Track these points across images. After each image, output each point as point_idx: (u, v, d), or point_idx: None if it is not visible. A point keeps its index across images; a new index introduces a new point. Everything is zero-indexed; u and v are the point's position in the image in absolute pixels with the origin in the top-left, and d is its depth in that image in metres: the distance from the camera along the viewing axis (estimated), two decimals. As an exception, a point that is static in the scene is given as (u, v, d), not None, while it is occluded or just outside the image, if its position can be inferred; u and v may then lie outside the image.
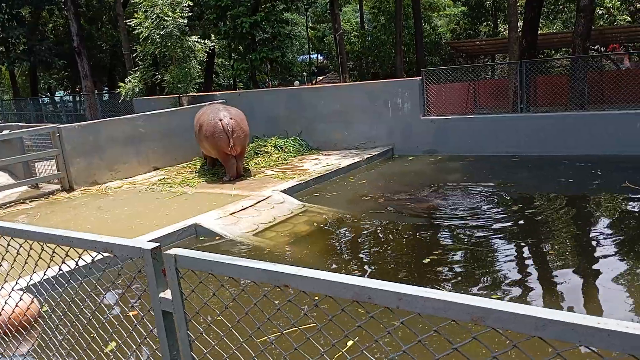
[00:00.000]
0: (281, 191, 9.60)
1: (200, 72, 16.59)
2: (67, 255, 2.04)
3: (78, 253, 2.04)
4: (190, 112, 12.85)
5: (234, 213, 8.38)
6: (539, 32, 16.63)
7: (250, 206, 8.78)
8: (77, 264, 2.05)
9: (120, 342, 2.04)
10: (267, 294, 1.52)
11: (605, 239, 6.63)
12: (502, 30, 29.27)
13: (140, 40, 15.55)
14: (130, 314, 2.20)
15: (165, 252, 1.71)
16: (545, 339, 1.12)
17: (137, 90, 16.85)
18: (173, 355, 1.78)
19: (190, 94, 15.57)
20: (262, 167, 12.28)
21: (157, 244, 1.75)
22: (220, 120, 10.26)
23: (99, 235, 1.94)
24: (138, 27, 15.11)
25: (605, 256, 6.02)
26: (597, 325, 1.06)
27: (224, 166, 11.01)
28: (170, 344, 1.78)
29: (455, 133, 12.81)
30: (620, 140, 10.99)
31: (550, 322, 1.10)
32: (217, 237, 7.54)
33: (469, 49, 24.92)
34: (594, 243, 6.54)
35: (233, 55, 24.96)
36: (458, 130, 12.79)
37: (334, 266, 6.23)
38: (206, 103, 13.48)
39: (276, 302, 1.55)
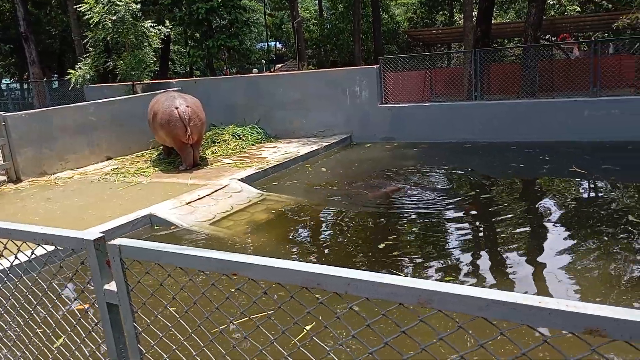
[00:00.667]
0: (239, 180, 9.51)
1: (155, 59, 16.18)
2: (5, 248, 1.94)
3: (17, 246, 1.94)
4: (144, 100, 12.51)
5: (190, 202, 8.25)
6: (492, 21, 16.95)
7: (207, 195, 8.66)
8: (16, 257, 1.95)
9: (64, 337, 1.96)
10: (215, 283, 1.48)
11: (554, 221, 6.86)
12: (458, 19, 29.70)
13: (91, 25, 15.01)
14: (75, 308, 2.12)
15: (109, 243, 1.65)
16: (490, 319, 1.13)
17: (88, 77, 16.29)
18: (119, 348, 1.73)
19: (145, 81, 15.17)
20: (219, 155, 12.12)
21: (101, 234, 1.68)
22: (177, 108, 10.04)
23: (40, 227, 1.85)
24: (88, 12, 14.56)
25: (554, 238, 6.23)
26: (539, 304, 1.08)
27: (180, 155, 10.80)
28: (116, 337, 1.72)
29: (411, 120, 12.97)
30: (568, 127, 11.38)
31: (493, 302, 1.12)
32: (172, 227, 7.41)
33: (426, 38, 25.19)
34: (544, 226, 6.75)
35: (189, 42, 24.51)
36: (414, 117, 12.95)
37: (292, 253, 6.22)
38: (161, 91, 13.17)
39: (232, 290, 1.52)
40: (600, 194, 8.23)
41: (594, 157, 10.13)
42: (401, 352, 1.26)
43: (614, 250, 5.64)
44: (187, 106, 10.14)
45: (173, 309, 1.71)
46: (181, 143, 10.24)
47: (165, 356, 1.69)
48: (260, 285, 1.44)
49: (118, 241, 1.64)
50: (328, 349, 1.34)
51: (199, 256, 1.45)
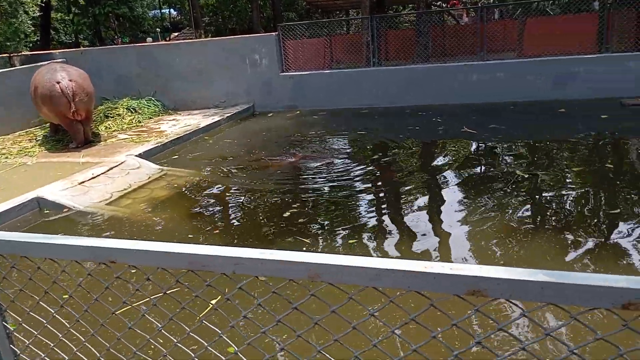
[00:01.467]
0: (136, 156, 9.06)
1: (34, 29, 14.80)
2: None
3: None
4: (25, 73, 11.45)
5: (83, 182, 7.74)
6: (387, -13, 17.19)
7: (102, 174, 8.18)
8: None
9: None
10: (91, 273, 1.36)
11: (452, 180, 7.19)
12: (355, -15, 29.85)
13: (-46, -9, 13.37)
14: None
15: (-34, 237, 1.45)
16: (380, 288, 1.12)
17: (-44, 49, 14.59)
18: (-10, 351, 1.55)
19: (23, 52, 13.86)
20: (114, 131, 11.45)
21: (-46, 228, 1.47)
22: (58, 82, 9.26)
23: None
24: (-52, -25, 12.94)
25: (453, 197, 6.54)
26: (425, 269, 1.08)
27: (68, 132, 10.05)
28: (-16, 340, 1.54)
29: (313, 88, 12.99)
30: (459, 90, 11.95)
31: (382, 271, 1.10)
32: (65, 210, 6.92)
33: (324, 4, 25.10)
34: (443, 185, 7.06)
35: (73, 9, 22.62)
36: (315, 85, 12.98)
37: (196, 230, 6.04)
38: (44, 63, 12.09)
39: (131, 279, 1.39)
40: (490, 152, 8.76)
41: (482, 118, 10.77)
42: (294, 328, 1.23)
43: (507, 206, 6.03)
44: (71, 80, 9.37)
45: (47, 303, 1.55)
46: (67, 120, 9.51)
47: (43, 355, 1.55)
48: (143, 272, 1.34)
49: (-25, 234, 1.45)
50: (220, 332, 1.28)
51: (71, 245, 1.31)
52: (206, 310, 2.51)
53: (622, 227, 5.24)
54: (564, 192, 6.34)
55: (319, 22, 15.51)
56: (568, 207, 5.89)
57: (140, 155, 9.14)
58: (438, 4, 22.77)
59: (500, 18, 17.71)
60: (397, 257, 5.01)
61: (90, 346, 1.46)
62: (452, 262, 4.73)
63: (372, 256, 5.04)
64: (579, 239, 5.01)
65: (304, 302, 1.23)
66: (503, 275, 1.03)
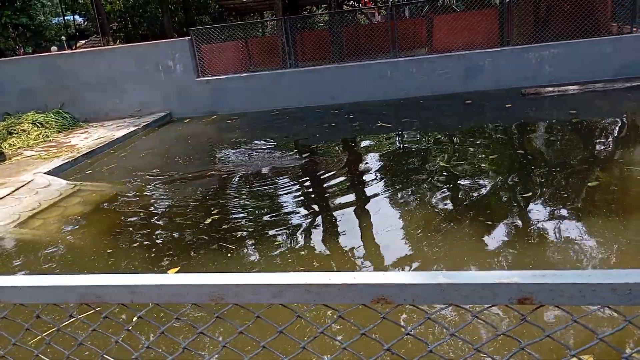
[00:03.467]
0: (45, 173, 8.55)
1: None
2: None
3: None
4: None
5: (-14, 206, 7.18)
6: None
7: (8, 194, 7.66)
8: None
9: None
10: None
11: (376, 174, 7.30)
12: (267, -14, 29.74)
13: None
14: None
15: None
16: (286, 305, 1.09)
17: None
18: None
19: None
20: (19, 148, 10.73)
21: None
22: (-49, 98, 8.54)
23: None
24: None
25: (379, 191, 6.61)
26: (328, 281, 1.06)
27: (-34, 153, 9.31)
28: None
29: (230, 92, 12.84)
30: (373, 88, 12.25)
31: (285, 287, 1.07)
32: (-33, 238, 6.38)
33: (237, 6, 24.78)
34: (367, 180, 7.13)
35: (-35, 18, 20.93)
36: (233, 89, 12.83)
37: (114, 247, 5.76)
38: None
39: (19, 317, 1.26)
40: (409, 144, 9.01)
41: (394, 113, 11.19)
42: (202, 354, 1.17)
43: (429, 197, 6.19)
44: (-34, 95, 8.68)
45: None
46: (-35, 139, 8.80)
47: None
48: (31, 309, 1.22)
49: None
50: (123, 364, 1.19)
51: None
52: (110, 346, 2.37)
53: (535, 211, 5.54)
54: (481, 180, 6.59)
55: (232, 24, 15.33)
56: (487, 194, 6.13)
57: (49, 172, 8.62)
58: (350, 3, 23.16)
59: (410, 16, 18.27)
60: (314, 260, 5.02)
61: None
62: (379, 262, 4.75)
63: (293, 259, 5.01)
64: (501, 226, 5.20)
65: (211, 325, 1.17)
66: (405, 280, 1.02)
